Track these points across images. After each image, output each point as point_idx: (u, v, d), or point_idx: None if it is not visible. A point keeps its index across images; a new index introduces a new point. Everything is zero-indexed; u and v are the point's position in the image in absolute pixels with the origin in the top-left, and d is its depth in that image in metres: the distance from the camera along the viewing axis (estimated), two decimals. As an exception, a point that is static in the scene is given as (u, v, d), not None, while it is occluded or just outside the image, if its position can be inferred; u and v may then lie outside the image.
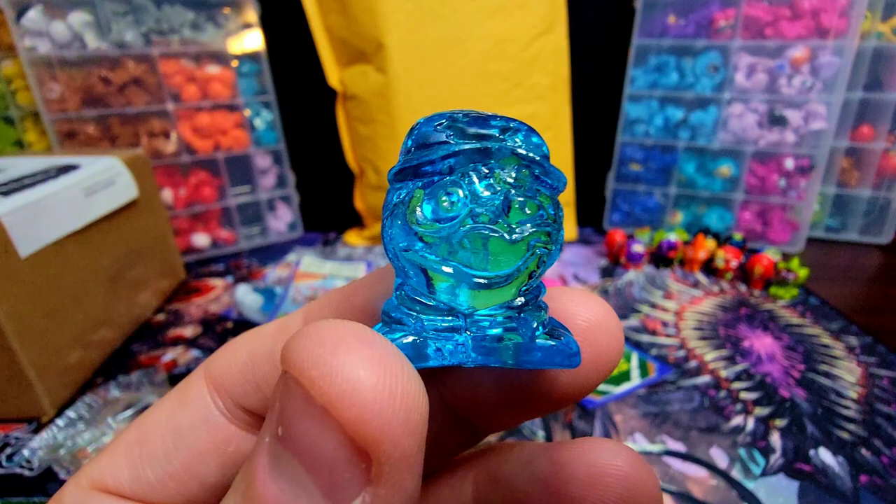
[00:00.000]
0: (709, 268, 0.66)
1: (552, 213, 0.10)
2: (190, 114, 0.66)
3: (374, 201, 0.72)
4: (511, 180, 0.10)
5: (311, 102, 0.76)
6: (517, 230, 0.09)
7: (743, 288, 0.62)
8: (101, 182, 0.49)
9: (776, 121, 0.68)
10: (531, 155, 0.10)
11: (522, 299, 0.10)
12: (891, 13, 0.68)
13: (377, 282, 0.12)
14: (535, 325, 0.10)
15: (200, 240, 0.69)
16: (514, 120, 0.10)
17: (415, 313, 0.10)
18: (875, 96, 0.70)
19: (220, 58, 0.67)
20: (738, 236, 0.69)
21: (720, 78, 0.69)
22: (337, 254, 0.66)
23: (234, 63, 0.68)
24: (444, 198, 0.09)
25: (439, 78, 0.65)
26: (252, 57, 0.69)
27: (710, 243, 0.66)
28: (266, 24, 0.69)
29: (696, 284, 0.63)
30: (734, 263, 0.63)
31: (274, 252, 0.72)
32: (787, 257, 0.63)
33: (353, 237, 0.76)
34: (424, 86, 0.65)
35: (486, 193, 0.09)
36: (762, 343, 0.51)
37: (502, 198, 0.09)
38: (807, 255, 0.71)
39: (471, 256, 0.09)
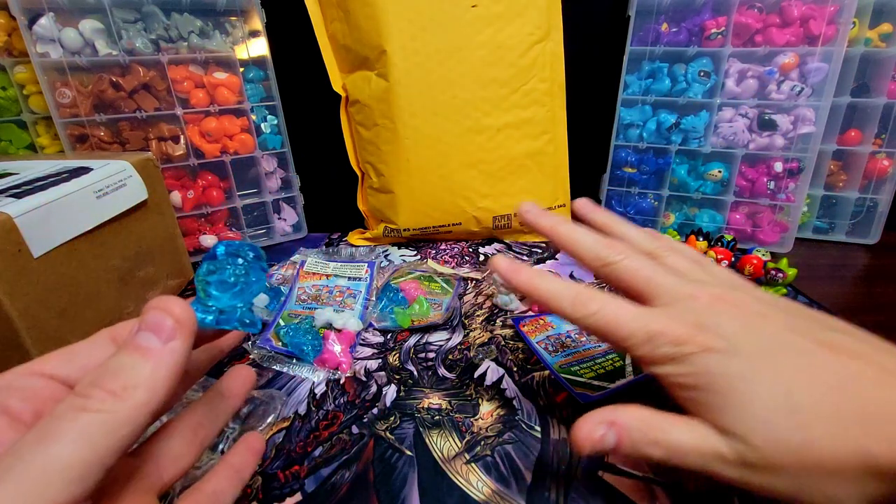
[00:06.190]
0: (701, 268, 0.68)
1: (248, 277, 0.24)
2: (198, 118, 0.68)
3: (376, 203, 0.74)
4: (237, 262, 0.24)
5: (316, 107, 0.78)
6: (233, 278, 0.24)
7: (734, 287, 0.64)
8: (111, 184, 0.50)
9: (766, 125, 0.70)
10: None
11: (241, 304, 0.23)
12: (879, 20, 0.70)
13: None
14: (243, 314, 0.23)
15: (208, 240, 0.71)
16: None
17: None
18: (862, 101, 0.72)
19: (227, 64, 0.68)
20: (727, 237, 0.70)
21: (711, 83, 0.71)
22: (340, 254, 0.67)
23: (241, 69, 0.69)
24: (210, 266, 0.23)
25: (439, 83, 0.67)
26: (258, 63, 0.71)
27: (701, 244, 0.68)
28: (272, 31, 0.71)
29: (688, 284, 0.65)
30: (725, 263, 0.65)
31: (279, 252, 0.74)
32: (776, 257, 0.64)
33: (355, 238, 0.77)
34: (425, 91, 0.67)
35: (225, 265, 0.23)
36: (751, 340, 0.53)
37: (232, 267, 0.23)
38: (795, 256, 0.73)
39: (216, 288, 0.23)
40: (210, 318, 0.22)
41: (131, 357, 0.17)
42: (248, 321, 0.23)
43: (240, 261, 0.23)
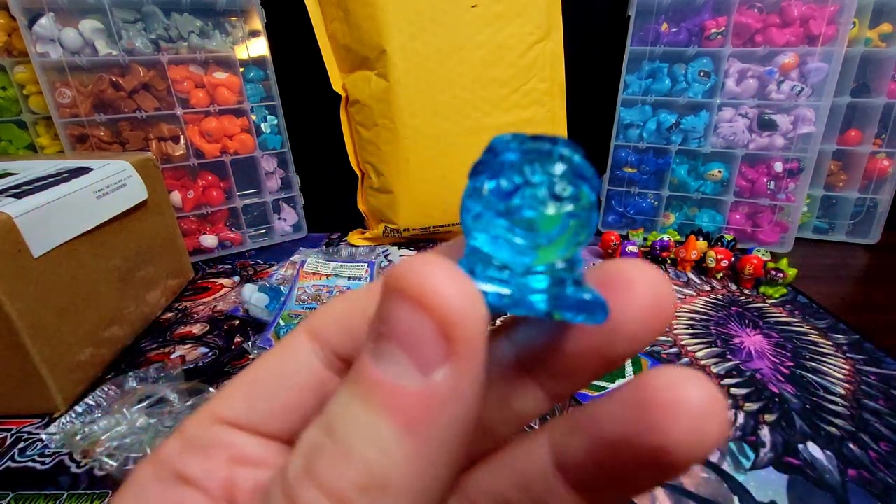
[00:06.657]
0: (700, 268, 0.68)
1: (589, 199, 0.11)
2: (198, 118, 0.68)
3: (376, 203, 0.74)
4: (558, 173, 0.11)
5: (316, 107, 0.78)
6: (555, 206, 0.11)
7: (733, 287, 0.64)
8: (111, 184, 0.50)
9: (766, 125, 0.70)
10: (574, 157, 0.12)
11: (562, 263, 0.11)
12: (879, 20, 0.70)
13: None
14: (567, 283, 0.11)
15: (208, 240, 0.71)
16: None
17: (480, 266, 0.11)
18: (862, 101, 0.72)
19: (227, 64, 0.68)
20: (727, 237, 0.70)
21: (711, 83, 0.71)
22: (340, 254, 0.67)
23: (241, 69, 0.69)
24: (504, 181, 0.12)
25: (439, 84, 0.67)
26: (258, 63, 0.71)
27: (701, 244, 0.68)
28: (272, 31, 0.71)
29: (688, 284, 0.65)
30: (725, 263, 0.65)
31: (279, 252, 0.73)
32: (776, 257, 0.64)
33: (355, 238, 0.77)
34: (425, 91, 0.67)
35: (536, 179, 0.11)
36: (752, 340, 0.52)
37: (548, 182, 0.11)
38: (795, 256, 0.73)
39: (516, 224, 0.11)
40: (506, 291, 0.11)
41: (369, 413, 0.09)
42: (578, 298, 0.11)
43: (559, 168, 0.11)
